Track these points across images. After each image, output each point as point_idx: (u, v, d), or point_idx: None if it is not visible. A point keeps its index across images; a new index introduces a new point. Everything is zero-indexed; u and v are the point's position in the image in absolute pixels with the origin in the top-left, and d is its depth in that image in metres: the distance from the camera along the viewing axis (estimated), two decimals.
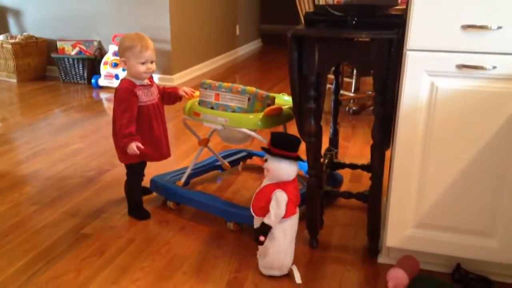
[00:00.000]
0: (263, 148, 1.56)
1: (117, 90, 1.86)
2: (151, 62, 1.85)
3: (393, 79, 1.51)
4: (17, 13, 4.61)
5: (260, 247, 1.56)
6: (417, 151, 1.46)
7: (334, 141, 2.20)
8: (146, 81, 1.89)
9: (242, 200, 2.12)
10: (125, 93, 1.83)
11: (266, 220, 1.49)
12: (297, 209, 1.56)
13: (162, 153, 1.95)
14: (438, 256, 1.58)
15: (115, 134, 1.88)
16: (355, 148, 2.77)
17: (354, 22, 1.55)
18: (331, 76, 2.40)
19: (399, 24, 1.53)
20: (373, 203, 1.65)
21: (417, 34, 1.36)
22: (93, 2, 4.33)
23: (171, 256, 1.71)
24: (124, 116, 1.80)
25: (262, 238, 1.50)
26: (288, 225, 1.53)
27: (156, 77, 4.07)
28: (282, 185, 1.50)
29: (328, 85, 2.61)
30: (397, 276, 1.51)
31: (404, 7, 2.01)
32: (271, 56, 5.97)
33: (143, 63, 1.82)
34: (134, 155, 1.84)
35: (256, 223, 1.56)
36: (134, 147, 1.79)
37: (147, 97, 1.87)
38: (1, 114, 3.46)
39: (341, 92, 3.26)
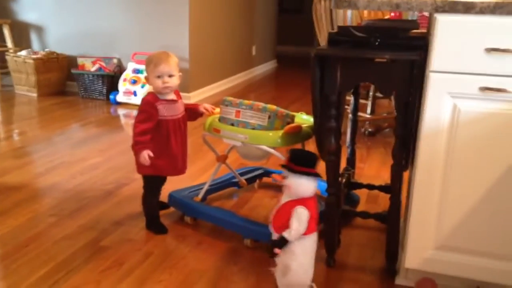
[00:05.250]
0: (282, 165, 1.57)
1: (141, 101, 1.92)
2: (169, 76, 1.88)
3: (414, 100, 1.52)
4: (39, 30, 4.73)
5: (279, 265, 1.55)
6: (438, 173, 1.46)
7: (351, 161, 2.20)
8: (171, 97, 1.92)
9: (259, 218, 2.12)
10: (146, 105, 1.88)
11: (286, 234, 1.49)
12: (317, 227, 1.56)
13: (177, 168, 1.97)
14: (457, 279, 1.56)
15: None
16: (371, 169, 2.77)
17: (377, 43, 1.57)
18: (348, 98, 2.43)
19: (421, 45, 1.55)
20: (392, 223, 1.65)
21: (440, 56, 1.38)
22: (114, 21, 4.43)
23: (189, 270, 1.72)
24: (139, 126, 1.85)
25: (277, 250, 1.50)
26: (309, 242, 1.52)
27: None
28: (302, 201, 1.51)
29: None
30: None
31: (424, 30, 2.04)
32: (286, 76, 6.03)
33: (158, 77, 1.86)
34: (148, 167, 1.87)
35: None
36: (145, 155, 1.81)
37: (168, 112, 1.90)
38: (21, 127, 3.52)
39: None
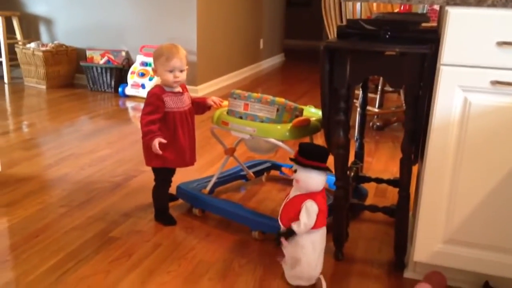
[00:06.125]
0: (291, 159, 1.57)
1: (147, 94, 1.93)
2: (180, 71, 1.89)
3: (424, 93, 1.52)
4: (48, 22, 4.75)
5: (288, 258, 1.56)
6: (448, 166, 1.45)
7: (359, 155, 2.20)
8: (178, 89, 1.93)
9: (266, 210, 2.13)
10: (152, 98, 1.89)
11: (295, 227, 1.49)
12: (326, 221, 1.56)
13: (185, 160, 1.97)
14: (466, 272, 1.56)
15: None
16: (379, 163, 2.77)
17: (387, 36, 1.56)
18: (356, 91, 2.42)
19: (432, 39, 1.54)
20: (401, 217, 1.64)
21: (451, 49, 1.37)
22: (122, 14, 4.44)
23: (197, 262, 1.73)
24: (146, 118, 1.86)
25: (284, 241, 1.51)
26: (317, 236, 1.53)
27: None
28: (311, 195, 1.51)
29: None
30: None
31: (434, 24, 2.03)
32: (294, 70, 6.01)
33: (170, 71, 1.87)
34: (156, 159, 1.88)
35: None
36: (156, 144, 1.81)
37: (174, 104, 1.90)
38: (30, 119, 3.54)
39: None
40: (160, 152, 1.83)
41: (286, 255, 1.58)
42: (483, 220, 1.46)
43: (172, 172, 2.02)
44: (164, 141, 1.83)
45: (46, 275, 1.62)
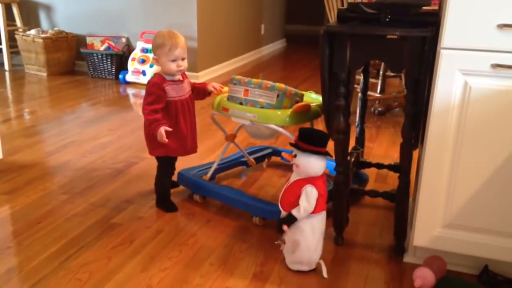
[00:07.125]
0: (291, 144, 1.57)
1: (147, 83, 1.91)
2: (182, 59, 1.87)
3: (425, 77, 1.51)
4: (48, 9, 4.72)
5: (288, 242, 1.57)
6: (448, 151, 1.45)
7: (360, 140, 2.20)
8: (178, 77, 1.92)
9: (267, 196, 2.13)
10: (153, 87, 1.87)
11: (295, 212, 1.50)
12: (326, 206, 1.57)
13: (186, 148, 1.97)
14: (466, 257, 1.57)
15: (145, 125, 1.92)
16: (380, 148, 2.76)
17: (387, 20, 1.55)
18: (357, 77, 2.40)
19: (433, 22, 1.52)
20: (401, 201, 1.65)
21: (451, 32, 1.36)
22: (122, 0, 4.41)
23: (198, 247, 1.74)
24: (148, 107, 1.85)
25: (285, 227, 1.53)
26: (317, 221, 1.54)
27: None
28: (311, 180, 1.51)
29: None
30: (424, 276, 1.50)
31: (436, 8, 2.01)
32: (295, 55, 5.97)
33: (173, 61, 1.85)
34: (160, 148, 1.88)
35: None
36: (162, 132, 1.80)
37: (176, 93, 1.90)
38: (31, 107, 3.54)
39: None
40: (166, 141, 1.82)
41: (286, 240, 1.58)
42: (483, 204, 1.46)
43: (174, 159, 2.03)
44: (169, 129, 1.83)
45: (49, 261, 1.63)
